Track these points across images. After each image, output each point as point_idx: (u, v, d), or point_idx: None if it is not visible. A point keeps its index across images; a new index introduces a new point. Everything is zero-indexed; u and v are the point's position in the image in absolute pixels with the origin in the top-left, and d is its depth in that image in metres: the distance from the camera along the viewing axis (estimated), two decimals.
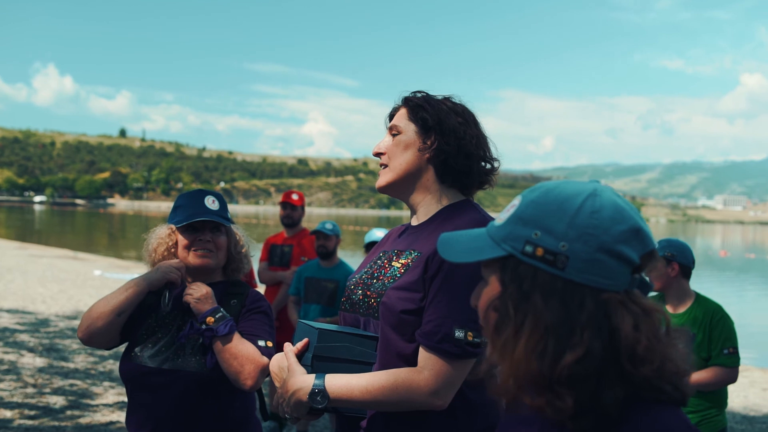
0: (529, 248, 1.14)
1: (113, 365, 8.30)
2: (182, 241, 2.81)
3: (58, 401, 6.68)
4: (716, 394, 3.89)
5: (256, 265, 6.56)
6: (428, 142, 2.16)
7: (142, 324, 2.76)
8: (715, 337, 3.80)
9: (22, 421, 5.99)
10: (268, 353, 2.66)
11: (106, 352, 8.80)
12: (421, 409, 1.95)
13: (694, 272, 3.99)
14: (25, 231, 52.90)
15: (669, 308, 3.95)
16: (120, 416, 6.31)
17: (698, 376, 3.75)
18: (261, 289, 6.34)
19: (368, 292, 2.14)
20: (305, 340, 2.10)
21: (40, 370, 7.88)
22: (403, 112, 2.23)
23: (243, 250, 2.91)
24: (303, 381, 1.98)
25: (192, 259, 2.79)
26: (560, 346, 1.08)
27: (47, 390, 7.05)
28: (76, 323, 11.09)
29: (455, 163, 2.14)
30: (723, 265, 38.21)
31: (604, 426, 1.08)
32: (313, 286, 5.98)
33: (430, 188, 2.19)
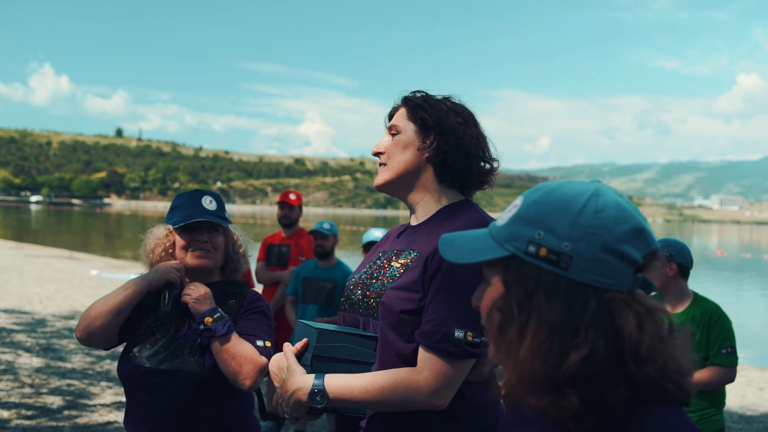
0: (532, 248, 1.14)
1: (110, 365, 8.29)
2: (180, 241, 2.80)
3: (55, 401, 6.67)
4: (714, 394, 3.89)
5: (253, 265, 6.56)
6: (427, 142, 2.16)
7: (140, 324, 2.76)
8: (713, 336, 3.80)
9: (19, 422, 5.98)
10: (267, 353, 2.66)
11: (103, 352, 8.79)
12: (420, 409, 1.95)
13: (690, 272, 3.99)
14: (22, 231, 52.81)
15: (667, 308, 3.95)
16: (117, 416, 6.30)
17: (696, 376, 3.75)
18: (258, 288, 6.34)
19: (367, 293, 2.14)
20: (305, 340, 2.10)
21: (38, 370, 7.87)
22: (402, 111, 2.23)
23: (241, 250, 2.91)
24: (302, 381, 1.98)
25: (190, 259, 2.78)
26: (565, 345, 1.08)
27: (44, 390, 7.04)
28: (72, 323, 11.07)
29: (454, 163, 2.15)
30: (720, 265, 38.26)
31: (608, 426, 1.08)
32: (310, 286, 5.98)
33: (429, 188, 2.19)
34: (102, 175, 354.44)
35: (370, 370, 2.06)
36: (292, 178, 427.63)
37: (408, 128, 2.19)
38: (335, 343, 2.06)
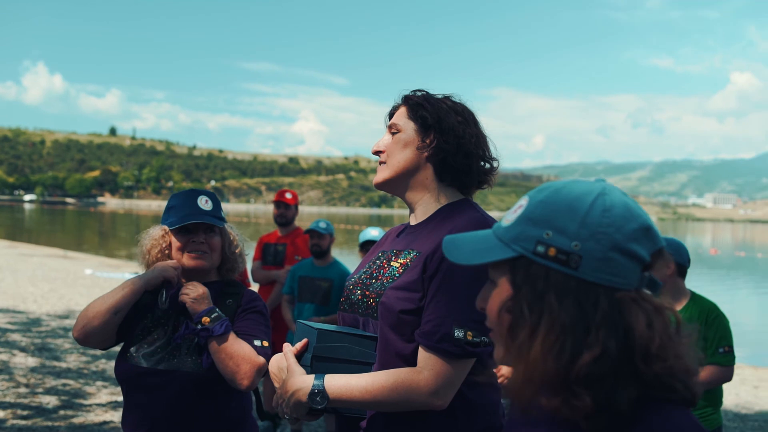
0: (540, 248, 1.14)
1: (106, 365, 8.27)
2: (175, 243, 2.79)
3: (51, 401, 6.66)
4: (711, 393, 3.90)
5: (249, 264, 6.55)
6: (427, 141, 2.15)
7: (138, 324, 2.75)
8: (711, 335, 3.81)
9: (15, 421, 5.96)
10: (264, 353, 2.65)
11: (98, 352, 8.77)
12: (420, 409, 1.95)
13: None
14: (15, 230, 52.70)
15: None
16: (113, 416, 6.29)
17: None
18: (254, 288, 6.33)
19: (367, 292, 2.14)
20: (304, 340, 2.09)
21: (33, 369, 7.84)
22: (402, 110, 2.23)
23: (237, 250, 2.90)
24: (302, 381, 1.98)
25: (186, 260, 2.78)
26: (577, 345, 1.08)
27: (40, 390, 7.02)
28: (67, 322, 11.05)
29: (454, 162, 2.14)
30: (713, 263, 38.36)
31: (617, 425, 1.08)
32: (307, 285, 5.97)
33: (428, 187, 2.19)
34: (96, 173, 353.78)
35: (370, 371, 2.05)
36: (287, 177, 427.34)
37: (408, 127, 2.19)
38: (335, 343, 2.06)
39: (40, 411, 6.32)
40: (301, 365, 2.05)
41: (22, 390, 6.96)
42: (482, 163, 2.20)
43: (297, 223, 6.80)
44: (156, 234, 2.87)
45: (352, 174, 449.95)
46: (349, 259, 6.72)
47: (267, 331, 2.77)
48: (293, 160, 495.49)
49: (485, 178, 2.22)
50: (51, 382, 7.35)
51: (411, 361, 1.99)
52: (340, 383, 1.95)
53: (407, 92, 2.26)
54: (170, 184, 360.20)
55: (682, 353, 1.12)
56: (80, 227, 65.25)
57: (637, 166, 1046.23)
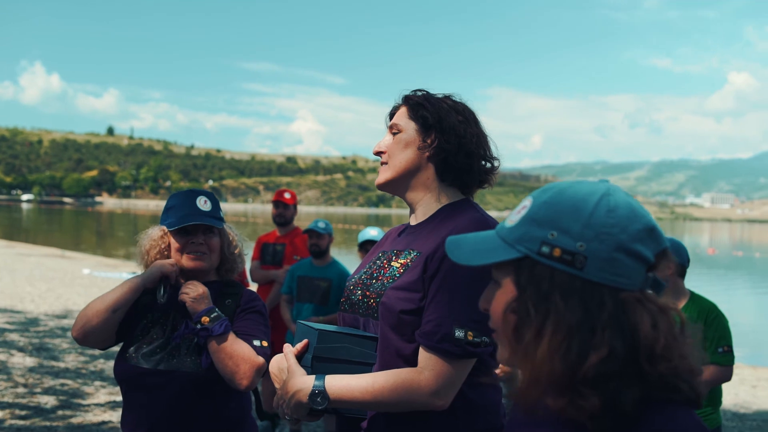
0: (545, 249, 1.14)
1: (104, 364, 8.26)
2: (174, 244, 2.79)
3: (49, 401, 6.65)
4: (711, 393, 3.90)
5: (248, 264, 6.54)
6: (428, 141, 2.15)
7: (137, 324, 2.75)
8: (710, 335, 3.81)
9: (13, 422, 5.95)
10: (264, 353, 2.65)
11: (96, 352, 8.76)
12: (421, 409, 1.95)
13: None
14: (13, 229, 52.67)
15: None
16: (112, 416, 6.29)
17: None
18: (253, 287, 6.32)
19: (367, 293, 2.14)
20: (305, 341, 2.09)
21: (31, 369, 7.84)
22: (403, 110, 2.22)
23: (236, 251, 2.90)
24: (303, 382, 1.97)
25: (185, 262, 2.77)
26: (584, 346, 1.08)
27: (38, 390, 7.01)
28: (65, 322, 11.04)
29: (455, 162, 2.14)
30: (711, 263, 38.39)
31: (622, 426, 1.08)
32: (305, 285, 5.97)
33: (429, 186, 2.19)
34: (93, 173, 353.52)
35: (370, 371, 2.05)
36: (284, 177, 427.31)
37: (409, 127, 2.18)
38: (335, 344, 2.06)
39: (39, 411, 6.31)
40: (302, 366, 2.05)
41: (20, 390, 6.95)
42: (483, 162, 2.19)
43: (295, 222, 6.80)
44: (155, 235, 2.86)
45: (350, 174, 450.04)
46: (347, 259, 6.70)
47: (266, 331, 2.77)
48: (291, 159, 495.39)
49: (486, 177, 2.22)
50: (49, 382, 7.34)
51: (412, 361, 1.99)
52: (340, 384, 1.95)
53: (407, 92, 2.26)
54: (168, 183, 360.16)
55: (686, 354, 1.12)
56: (78, 227, 65.22)
57: (635, 165, 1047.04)
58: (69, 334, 10.04)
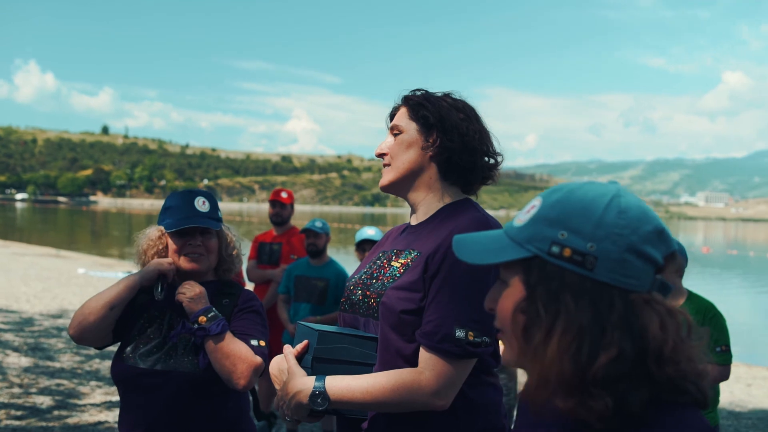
0: (555, 249, 1.14)
1: (100, 364, 8.24)
2: (172, 245, 2.78)
3: (44, 401, 6.62)
4: None
5: (244, 264, 6.53)
6: (431, 140, 2.14)
7: (134, 324, 2.74)
8: None
9: (9, 422, 5.93)
10: (261, 352, 2.65)
11: (92, 351, 8.74)
12: (422, 409, 1.95)
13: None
14: (7, 229, 52.50)
15: None
16: (108, 416, 6.27)
17: None
18: (249, 287, 6.31)
19: (368, 293, 2.13)
20: (305, 342, 2.08)
21: (26, 369, 7.81)
22: (403, 111, 2.21)
23: (234, 252, 2.89)
24: (303, 383, 1.97)
25: (183, 263, 2.76)
26: (593, 347, 1.08)
27: (34, 390, 6.99)
28: (61, 322, 11.01)
29: (459, 160, 2.13)
30: (706, 262, 38.46)
31: (631, 427, 1.08)
32: (302, 285, 5.96)
33: (432, 186, 2.18)
34: (88, 172, 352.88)
35: (370, 372, 2.05)
36: (279, 176, 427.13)
37: (410, 127, 2.17)
38: (336, 344, 2.05)
39: (34, 411, 6.29)
40: (302, 367, 2.04)
41: (16, 390, 6.93)
42: (486, 158, 2.19)
43: (291, 222, 6.79)
44: (153, 235, 2.85)
45: (345, 173, 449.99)
46: (342, 258, 6.69)
47: (264, 330, 2.76)
48: (286, 158, 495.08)
49: (489, 173, 2.21)
50: (45, 382, 7.32)
51: (412, 361, 1.98)
52: (341, 385, 1.95)
53: (406, 92, 2.25)
54: (163, 182, 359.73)
55: (693, 356, 1.12)
56: (72, 226, 65.06)
57: (630, 164, 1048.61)
58: (64, 333, 10.01)
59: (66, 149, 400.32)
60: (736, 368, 10.62)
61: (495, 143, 2.22)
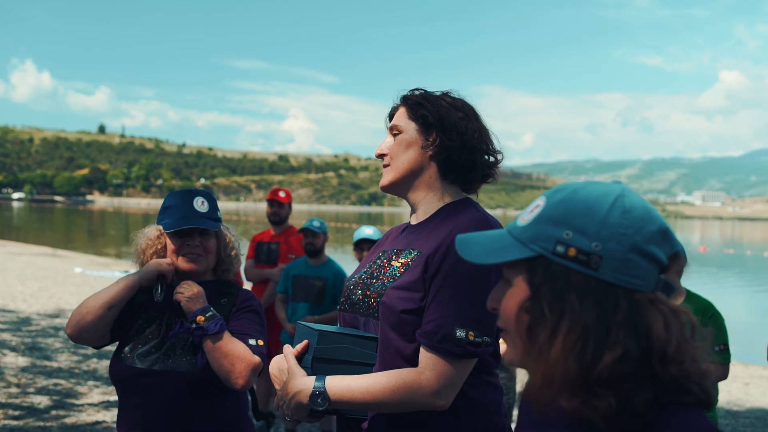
0: (560, 248, 1.14)
1: (97, 364, 8.23)
2: (170, 245, 2.78)
3: (42, 401, 6.61)
4: None
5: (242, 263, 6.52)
6: (430, 140, 2.14)
7: (132, 324, 2.73)
8: None
9: (6, 422, 5.92)
10: (259, 352, 2.64)
11: (89, 351, 8.73)
12: (422, 409, 1.94)
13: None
14: (4, 228, 52.44)
15: None
16: (106, 416, 6.26)
17: None
18: (247, 286, 6.31)
19: (368, 292, 2.13)
20: (305, 342, 2.08)
21: (23, 369, 7.79)
22: (402, 111, 2.21)
23: (232, 252, 2.88)
24: (303, 383, 1.97)
25: (181, 263, 2.76)
26: (599, 346, 1.08)
27: (31, 390, 6.97)
28: (58, 321, 11.00)
29: (459, 159, 2.13)
30: (703, 261, 38.49)
31: (635, 427, 1.08)
32: (300, 284, 5.96)
33: (432, 186, 2.18)
34: (85, 171, 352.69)
35: (371, 371, 2.04)
36: (276, 175, 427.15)
37: (409, 127, 2.17)
38: (336, 344, 2.05)
39: (32, 411, 6.28)
40: (302, 367, 2.04)
41: (13, 390, 6.92)
42: (486, 157, 2.18)
43: (289, 221, 6.79)
44: (152, 234, 2.85)
45: (342, 172, 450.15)
46: (339, 258, 6.69)
47: (262, 330, 2.76)
48: (283, 158, 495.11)
49: (489, 171, 2.21)
50: (42, 381, 7.31)
51: (412, 361, 1.98)
52: (341, 385, 1.94)
53: (405, 92, 2.25)
54: (160, 182, 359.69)
55: (697, 356, 1.12)
56: (69, 225, 64.96)
57: (627, 163, 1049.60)
58: (62, 333, 10.00)
59: (63, 148, 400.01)
60: (733, 367, 10.61)
61: (495, 141, 2.21)
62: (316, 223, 6.02)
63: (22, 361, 8.20)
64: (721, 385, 9.05)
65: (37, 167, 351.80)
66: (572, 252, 1.13)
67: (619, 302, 1.10)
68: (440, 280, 1.96)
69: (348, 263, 6.96)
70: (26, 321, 10.98)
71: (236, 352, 2.57)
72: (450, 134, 2.12)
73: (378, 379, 1.94)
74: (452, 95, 2.22)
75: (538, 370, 1.13)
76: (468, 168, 2.15)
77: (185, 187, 2.88)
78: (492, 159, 2.20)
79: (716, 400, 4.02)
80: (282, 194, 6.63)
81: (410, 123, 2.17)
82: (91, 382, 7.40)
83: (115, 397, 6.72)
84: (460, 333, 1.91)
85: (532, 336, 1.14)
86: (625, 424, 1.08)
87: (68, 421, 6.07)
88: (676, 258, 1.17)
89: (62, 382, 7.35)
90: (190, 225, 2.72)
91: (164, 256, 2.82)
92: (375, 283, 2.13)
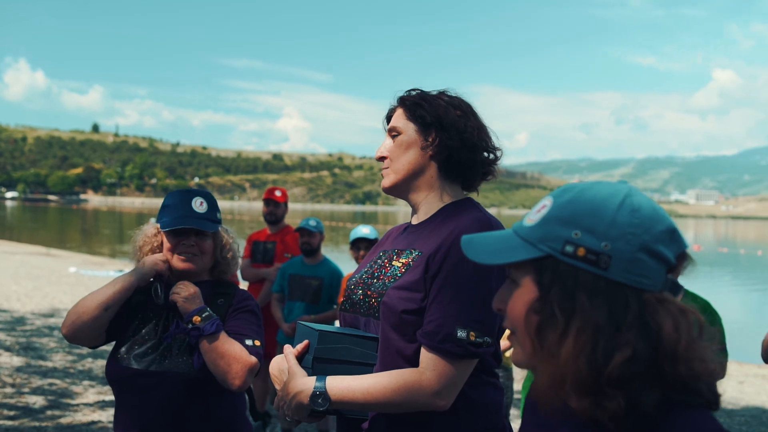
0: (569, 248, 1.13)
1: (92, 363, 8.21)
2: (166, 243, 2.77)
3: (37, 401, 6.59)
4: None
5: None
6: (429, 140, 2.13)
7: (129, 324, 2.72)
8: None
9: (1, 422, 5.89)
10: (256, 352, 2.63)
11: (84, 351, 8.71)
12: (423, 410, 1.94)
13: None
14: None
15: None
16: (101, 416, 6.24)
17: None
18: (243, 286, 6.29)
19: (369, 292, 2.12)
20: (305, 342, 2.07)
21: (18, 369, 7.77)
22: (400, 112, 2.20)
23: (229, 255, 2.86)
24: (304, 383, 1.96)
25: (176, 262, 2.75)
26: (609, 346, 1.08)
27: (26, 390, 6.95)
28: (52, 321, 10.97)
29: (460, 157, 2.12)
30: (697, 260, 38.50)
31: (643, 427, 1.08)
32: (297, 284, 5.95)
33: (432, 185, 2.17)
34: (78, 170, 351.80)
35: (371, 372, 2.04)
36: (270, 174, 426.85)
37: (408, 128, 2.16)
38: (336, 344, 2.04)
39: (27, 411, 6.26)
40: (302, 367, 2.03)
41: (8, 390, 6.89)
42: (486, 154, 2.18)
43: (285, 220, 6.78)
44: (149, 232, 2.85)
45: (337, 171, 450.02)
46: (334, 257, 6.69)
47: (259, 330, 2.75)
48: (277, 156, 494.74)
49: (489, 169, 2.21)
50: (37, 381, 7.29)
51: (413, 361, 1.98)
52: (341, 385, 1.94)
53: (402, 93, 2.24)
54: (153, 181, 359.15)
55: (705, 356, 1.12)
56: (63, 225, 64.84)
57: (620, 162, 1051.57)
58: (56, 333, 9.98)
59: (56, 147, 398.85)
60: (728, 366, 10.68)
61: (493, 138, 2.21)
62: (312, 223, 6.01)
63: (17, 360, 8.17)
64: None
65: (30, 166, 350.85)
66: (581, 252, 1.12)
67: (629, 302, 1.10)
68: (441, 280, 1.96)
69: (343, 262, 6.96)
70: (20, 320, 10.95)
71: (233, 353, 2.56)
72: (450, 133, 2.11)
73: (379, 379, 1.93)
74: (449, 94, 2.21)
75: (547, 371, 1.13)
76: (469, 166, 2.15)
77: (180, 186, 2.86)
78: (491, 156, 2.20)
79: None
80: (278, 193, 6.62)
81: (409, 124, 2.16)
82: (86, 382, 7.38)
83: (110, 397, 6.70)
84: (461, 333, 1.91)
85: (541, 336, 1.14)
86: (633, 424, 1.08)
87: (64, 421, 6.06)
88: (683, 257, 1.18)
89: (57, 381, 7.33)
90: (186, 225, 2.71)
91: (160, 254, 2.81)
92: (376, 283, 2.12)
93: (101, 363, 8.17)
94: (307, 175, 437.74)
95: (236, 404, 2.77)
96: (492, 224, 2.03)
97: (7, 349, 8.77)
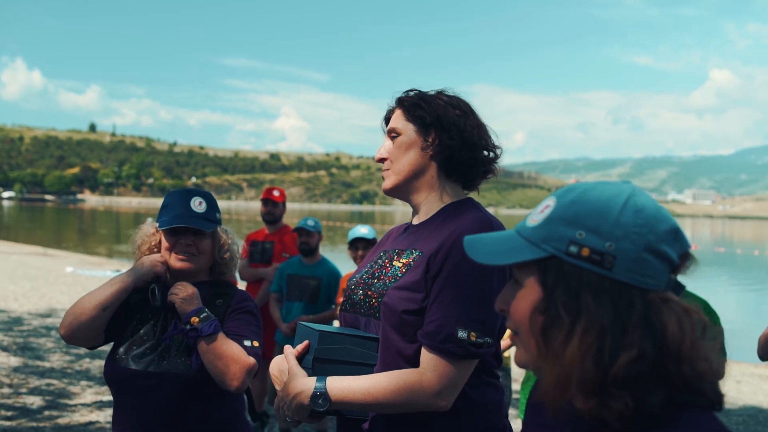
0: (573, 248, 1.13)
1: (90, 363, 8.20)
2: (165, 242, 2.76)
3: (35, 401, 6.58)
4: None
5: None
6: (429, 140, 2.13)
7: (127, 325, 2.72)
8: None
9: None
10: (255, 353, 2.63)
11: (82, 351, 8.70)
12: (424, 410, 1.93)
13: None
14: None
15: None
16: (99, 416, 6.24)
17: None
18: (241, 286, 6.29)
19: (369, 292, 2.12)
20: (305, 342, 2.07)
21: (15, 369, 7.76)
22: (398, 113, 2.20)
23: (226, 255, 2.85)
24: (304, 384, 1.96)
25: (173, 261, 2.74)
26: (615, 346, 1.08)
27: (23, 390, 6.94)
28: (50, 321, 10.96)
29: (461, 156, 2.12)
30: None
31: (648, 427, 1.08)
32: (295, 284, 5.95)
33: (433, 186, 2.17)
34: (75, 170, 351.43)
35: (371, 372, 2.03)
36: (268, 174, 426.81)
37: (407, 129, 2.16)
38: (336, 345, 2.04)
39: (25, 411, 6.25)
40: (303, 367, 2.03)
41: (6, 390, 6.89)
42: (486, 152, 2.18)
43: (283, 220, 6.78)
44: (148, 230, 2.85)
45: (334, 171, 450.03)
46: (332, 256, 6.70)
47: (258, 331, 2.74)
48: (274, 156, 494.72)
49: (490, 167, 2.20)
50: (35, 382, 7.28)
51: (413, 361, 1.97)
52: (342, 385, 1.93)
53: (400, 94, 2.23)
54: (151, 181, 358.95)
55: (709, 356, 1.12)
56: (60, 225, 64.76)
57: (617, 162, 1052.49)
58: (54, 333, 9.96)
59: (53, 147, 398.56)
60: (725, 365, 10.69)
61: (492, 136, 2.20)
62: (310, 222, 6.01)
63: (14, 361, 8.16)
64: None
65: (27, 166, 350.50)
66: (586, 252, 1.12)
67: (634, 302, 1.10)
68: (442, 280, 1.95)
69: (341, 262, 6.96)
70: (18, 321, 10.94)
71: (231, 354, 2.55)
72: (450, 132, 2.10)
73: (379, 379, 1.93)
74: (447, 93, 2.20)
75: (552, 372, 1.13)
76: (470, 165, 2.14)
77: (177, 185, 2.85)
78: (491, 154, 2.19)
79: None
80: (276, 193, 6.62)
81: (408, 125, 2.16)
82: (84, 382, 7.37)
83: (108, 398, 6.70)
84: (461, 333, 1.90)
85: (546, 337, 1.14)
86: (638, 424, 1.08)
87: (61, 421, 6.05)
88: (686, 257, 1.17)
89: (55, 382, 7.32)
90: (183, 224, 2.70)
91: (158, 253, 2.80)
92: (376, 283, 2.12)
93: (99, 363, 8.16)
94: (304, 174, 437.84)
95: (235, 405, 2.77)
96: (493, 224, 2.03)
97: (5, 349, 8.76)
